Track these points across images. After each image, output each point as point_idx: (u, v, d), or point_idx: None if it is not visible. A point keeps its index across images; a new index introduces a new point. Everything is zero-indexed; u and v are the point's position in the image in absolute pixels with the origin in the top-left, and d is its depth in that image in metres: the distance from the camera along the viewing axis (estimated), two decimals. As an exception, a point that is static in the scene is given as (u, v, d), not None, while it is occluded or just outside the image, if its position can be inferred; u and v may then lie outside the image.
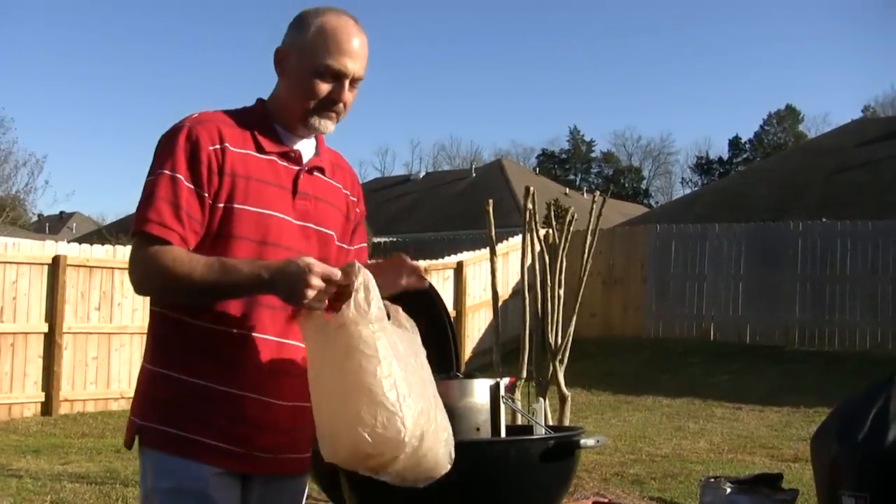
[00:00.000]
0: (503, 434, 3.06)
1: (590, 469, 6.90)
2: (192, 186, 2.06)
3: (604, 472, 6.94)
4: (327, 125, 2.20)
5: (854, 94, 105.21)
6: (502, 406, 3.07)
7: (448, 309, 3.66)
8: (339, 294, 2.10)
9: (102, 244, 12.00)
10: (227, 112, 2.19)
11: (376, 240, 21.49)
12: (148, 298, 2.19)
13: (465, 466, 2.81)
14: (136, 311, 11.13)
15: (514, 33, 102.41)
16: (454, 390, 3.02)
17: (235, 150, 2.12)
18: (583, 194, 41.82)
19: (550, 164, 70.08)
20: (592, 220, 6.20)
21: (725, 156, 68.00)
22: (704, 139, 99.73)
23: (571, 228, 6.15)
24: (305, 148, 2.25)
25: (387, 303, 2.07)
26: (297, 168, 2.20)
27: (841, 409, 3.78)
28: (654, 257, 16.14)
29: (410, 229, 31.04)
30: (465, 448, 2.92)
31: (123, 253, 11.07)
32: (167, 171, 2.05)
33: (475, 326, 15.13)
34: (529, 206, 6.03)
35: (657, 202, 62.92)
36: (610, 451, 7.89)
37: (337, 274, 1.96)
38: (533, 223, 6.09)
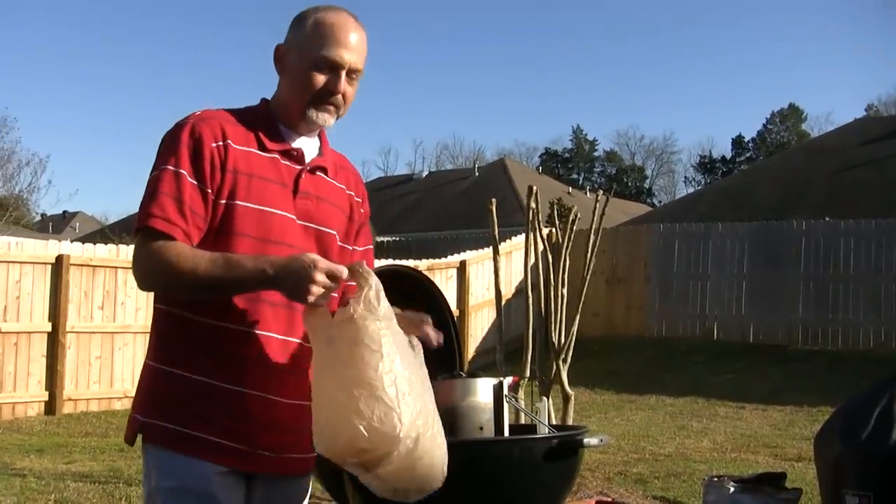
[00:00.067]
0: (506, 433, 3.05)
1: (593, 468, 6.90)
2: (195, 182, 2.06)
3: (607, 471, 6.94)
4: (325, 118, 2.20)
5: (857, 92, 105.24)
6: (506, 405, 3.06)
7: (451, 308, 3.67)
8: (343, 293, 2.11)
9: (105, 243, 12.00)
10: (230, 110, 2.20)
11: (379, 239, 21.50)
12: (151, 297, 2.19)
13: (469, 465, 2.82)
14: (139, 310, 11.14)
15: (516, 33, 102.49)
16: (457, 389, 3.02)
17: (238, 147, 2.12)
18: (586, 193, 41.86)
19: (553, 163, 70.10)
20: (595, 219, 6.19)
21: (728, 155, 67.98)
22: (707, 138, 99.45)
23: (574, 227, 6.14)
24: (309, 148, 2.25)
25: (397, 309, 2.09)
26: (299, 167, 2.20)
27: (844, 408, 3.78)
28: (658, 256, 16.14)
29: (413, 228, 31.06)
30: (469, 447, 2.93)
31: (126, 252, 11.07)
32: (171, 167, 2.06)
33: (478, 326, 15.12)
34: (532, 205, 6.03)
35: (660, 201, 62.90)
36: (613, 450, 7.89)
37: (342, 271, 1.96)
38: (536, 222, 6.08)
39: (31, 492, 6.31)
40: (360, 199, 2.38)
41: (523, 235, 6.53)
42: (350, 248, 2.34)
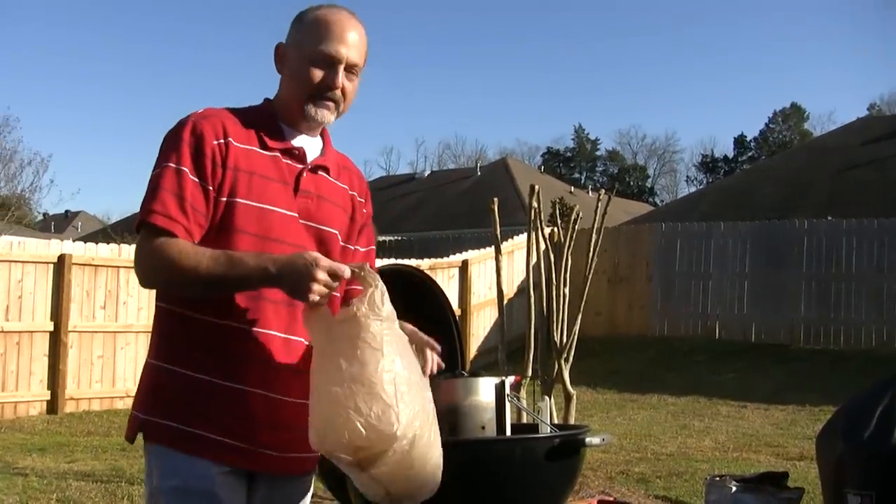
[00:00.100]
0: (508, 432, 3.05)
1: (595, 467, 6.90)
2: (196, 179, 2.06)
3: (609, 470, 6.93)
4: (324, 114, 2.20)
5: (859, 92, 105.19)
6: (507, 404, 3.06)
7: (453, 307, 3.67)
8: (345, 295, 2.10)
9: (108, 243, 12.03)
10: (232, 109, 2.21)
11: (381, 238, 21.49)
12: (153, 296, 2.19)
13: (471, 464, 2.82)
14: (141, 309, 11.15)
15: (518, 33, 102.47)
16: (460, 389, 3.02)
17: (239, 145, 2.12)
18: (588, 193, 41.85)
19: (555, 162, 70.09)
20: (597, 218, 6.19)
21: (731, 154, 67.96)
22: (709, 137, 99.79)
23: (576, 227, 6.14)
24: (311, 147, 2.25)
25: (410, 326, 2.09)
26: (300, 166, 2.20)
27: (846, 407, 3.77)
28: (660, 256, 16.13)
29: (415, 228, 31.05)
30: (471, 446, 2.93)
31: (129, 252, 11.09)
32: (172, 164, 2.06)
33: (480, 325, 15.12)
34: (535, 204, 6.02)
35: (662, 200, 62.89)
36: (615, 449, 7.89)
37: (344, 270, 1.96)
38: (538, 221, 6.08)
39: (33, 491, 6.31)
40: (362, 200, 2.38)
41: (525, 235, 6.53)
42: (352, 247, 2.34)
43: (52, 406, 10.49)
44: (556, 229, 6.52)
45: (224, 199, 2.09)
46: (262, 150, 2.16)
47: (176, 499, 2.06)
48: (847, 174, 22.63)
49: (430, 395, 2.09)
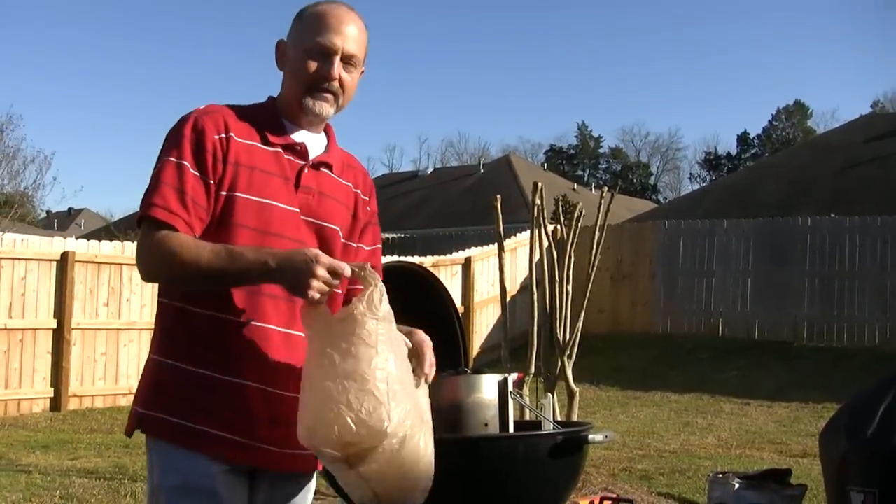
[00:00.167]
0: (511, 429, 3.05)
1: (598, 464, 6.90)
2: (197, 174, 2.07)
3: (612, 467, 6.94)
4: (323, 107, 2.20)
5: (862, 89, 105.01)
6: (510, 402, 3.06)
7: (456, 305, 3.66)
8: (346, 296, 2.10)
9: (111, 240, 12.03)
10: (235, 106, 2.21)
11: (384, 235, 21.48)
12: (156, 294, 2.19)
13: (474, 461, 2.82)
14: (144, 306, 11.16)
15: (521, 30, 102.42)
16: (462, 386, 3.01)
17: (240, 140, 2.13)
18: (591, 190, 41.84)
19: (558, 159, 70.05)
20: (600, 215, 6.19)
21: (734, 151, 67.89)
22: (713, 135, 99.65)
23: (579, 224, 6.14)
24: (314, 144, 2.25)
25: (408, 328, 2.09)
26: (302, 162, 2.20)
27: (849, 404, 3.77)
28: (663, 253, 16.11)
29: (418, 225, 31.06)
30: (474, 443, 2.93)
31: (131, 249, 11.09)
32: (173, 159, 2.07)
33: (483, 322, 15.12)
34: (538, 201, 6.03)
35: (665, 198, 62.87)
36: (618, 446, 7.89)
37: (344, 268, 1.96)
38: (541, 219, 6.08)
39: (36, 488, 6.33)
40: (366, 197, 2.37)
41: (528, 232, 6.54)
42: (355, 245, 2.33)
43: (56, 403, 10.50)
44: (559, 226, 6.53)
45: (224, 192, 2.09)
46: (263, 146, 2.16)
47: (176, 496, 2.06)
48: (850, 171, 22.60)
49: (424, 399, 2.08)
